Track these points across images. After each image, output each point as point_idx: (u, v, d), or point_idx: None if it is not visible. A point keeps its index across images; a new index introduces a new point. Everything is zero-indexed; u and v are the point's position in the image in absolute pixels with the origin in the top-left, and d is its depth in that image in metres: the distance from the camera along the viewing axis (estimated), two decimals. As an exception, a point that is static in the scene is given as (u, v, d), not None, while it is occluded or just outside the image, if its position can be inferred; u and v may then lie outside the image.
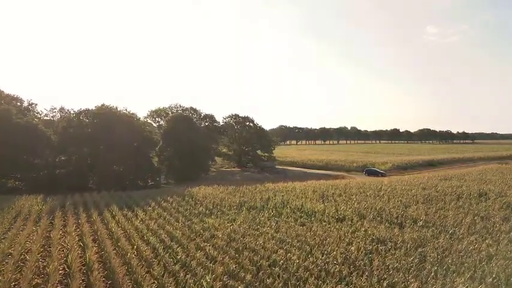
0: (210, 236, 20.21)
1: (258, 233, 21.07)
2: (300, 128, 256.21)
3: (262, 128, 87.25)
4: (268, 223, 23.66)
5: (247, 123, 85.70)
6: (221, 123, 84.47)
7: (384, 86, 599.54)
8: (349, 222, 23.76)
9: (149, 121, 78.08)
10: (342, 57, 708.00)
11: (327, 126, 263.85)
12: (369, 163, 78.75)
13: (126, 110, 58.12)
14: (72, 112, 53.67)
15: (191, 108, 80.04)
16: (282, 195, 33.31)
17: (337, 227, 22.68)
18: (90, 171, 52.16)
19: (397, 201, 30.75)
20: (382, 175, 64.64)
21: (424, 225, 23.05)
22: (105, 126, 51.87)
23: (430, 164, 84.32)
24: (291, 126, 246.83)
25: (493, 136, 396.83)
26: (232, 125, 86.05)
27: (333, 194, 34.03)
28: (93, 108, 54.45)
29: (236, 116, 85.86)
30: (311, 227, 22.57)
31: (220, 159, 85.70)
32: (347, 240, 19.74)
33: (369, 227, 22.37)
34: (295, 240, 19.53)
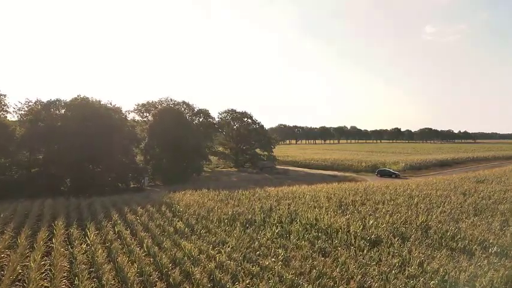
0: (181, 278, 12.78)
1: (257, 269, 13.64)
2: (300, 127, 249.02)
3: (262, 125, 79.69)
4: (273, 249, 16.27)
5: (245, 119, 78.19)
6: (217, 119, 76.86)
7: (383, 86, 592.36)
8: (390, 248, 16.37)
9: (137, 117, 70.56)
10: (342, 57, 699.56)
11: (327, 126, 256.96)
12: (379, 163, 71.49)
13: (110, 103, 50.34)
14: (39, 103, 45.82)
15: (183, 102, 72.25)
16: (288, 204, 25.91)
17: (375, 256, 15.29)
18: (62, 172, 44.70)
19: (440, 212, 23.41)
20: (396, 176, 57.62)
21: (502, 253, 15.72)
22: (79, 119, 44.41)
23: (445, 164, 76.98)
24: (291, 125, 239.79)
25: (492, 136, 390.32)
26: (228, 121, 78.52)
27: (353, 201, 26.64)
28: (67, 100, 47.00)
29: (233, 111, 78.23)
30: (336, 257, 15.20)
31: (215, 159, 78.21)
32: (401, 286, 12.36)
33: (422, 257, 15.01)
34: (318, 287, 12.15)
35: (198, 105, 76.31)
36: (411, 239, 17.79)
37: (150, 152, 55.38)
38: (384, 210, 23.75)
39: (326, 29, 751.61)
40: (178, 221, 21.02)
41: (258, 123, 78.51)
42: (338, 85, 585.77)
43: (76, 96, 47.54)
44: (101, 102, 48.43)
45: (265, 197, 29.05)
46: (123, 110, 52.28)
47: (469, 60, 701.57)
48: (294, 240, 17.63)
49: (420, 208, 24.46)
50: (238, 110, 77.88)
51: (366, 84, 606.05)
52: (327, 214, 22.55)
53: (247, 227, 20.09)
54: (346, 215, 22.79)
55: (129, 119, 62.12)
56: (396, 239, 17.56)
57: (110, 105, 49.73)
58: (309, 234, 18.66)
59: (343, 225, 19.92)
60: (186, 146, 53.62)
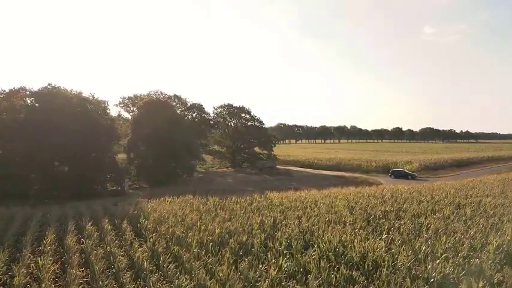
0: None
1: None
2: (300, 126, 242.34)
3: (261, 121, 72.89)
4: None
5: (243, 115, 71.39)
6: (212, 115, 69.99)
7: (383, 86, 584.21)
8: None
9: (123, 112, 63.77)
10: (342, 57, 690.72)
11: (327, 125, 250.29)
12: (390, 163, 64.91)
13: (93, 96, 43.26)
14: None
15: (175, 96, 65.41)
16: (299, 217, 19.21)
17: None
18: (28, 173, 37.92)
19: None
20: (413, 177, 51.31)
21: None
22: (48, 110, 37.72)
23: (461, 164, 70.43)
24: (290, 124, 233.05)
25: (493, 136, 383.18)
26: (225, 117, 71.75)
27: (384, 214, 19.93)
28: (34, 89, 40.31)
29: (230, 106, 71.39)
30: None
31: (210, 158, 71.54)
32: None
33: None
34: None
35: (191, 99, 69.62)
36: (498, 281, 11.18)
37: (134, 149, 48.69)
38: (432, 227, 17.08)
39: (326, 29, 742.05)
40: (140, 246, 14.33)
41: (257, 120, 71.78)
42: (338, 85, 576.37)
43: (47, 85, 40.77)
44: (82, 95, 41.66)
45: (266, 205, 22.31)
46: (104, 102, 45.34)
47: (469, 60, 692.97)
48: (315, 285, 10.98)
49: (480, 224, 17.81)
50: (235, 105, 71.18)
51: (366, 84, 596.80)
52: (354, 234, 15.88)
53: (241, 258, 13.40)
54: (380, 234, 16.14)
55: (113, 113, 55.54)
56: (478, 284, 10.91)
57: (92, 97, 42.89)
58: (336, 271, 12.00)
59: (385, 254, 13.27)
60: (176, 143, 46.96)
